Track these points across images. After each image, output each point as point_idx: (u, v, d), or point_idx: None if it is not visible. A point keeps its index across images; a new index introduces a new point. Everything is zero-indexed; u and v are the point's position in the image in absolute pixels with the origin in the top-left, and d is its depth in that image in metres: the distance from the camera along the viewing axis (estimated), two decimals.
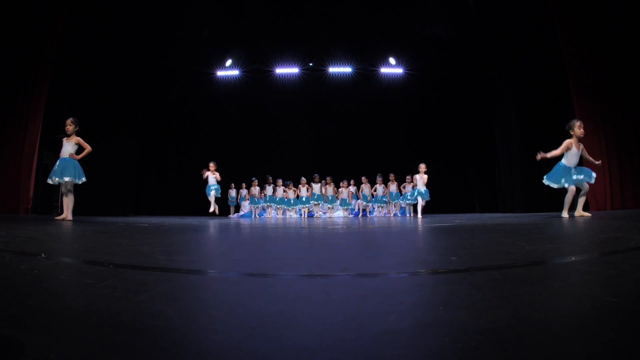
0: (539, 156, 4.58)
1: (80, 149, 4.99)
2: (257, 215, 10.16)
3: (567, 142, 4.53)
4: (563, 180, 4.48)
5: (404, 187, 9.26)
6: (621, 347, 0.58)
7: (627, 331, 0.66)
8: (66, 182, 4.80)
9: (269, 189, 9.93)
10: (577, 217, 4.34)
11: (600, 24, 6.59)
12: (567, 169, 4.51)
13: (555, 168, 4.62)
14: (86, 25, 7.71)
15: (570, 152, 4.52)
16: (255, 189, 10.13)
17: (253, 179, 10.17)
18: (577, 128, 4.50)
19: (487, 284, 1.06)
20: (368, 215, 9.86)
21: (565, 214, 4.47)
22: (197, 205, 10.52)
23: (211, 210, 7.79)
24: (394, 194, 9.27)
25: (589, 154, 4.73)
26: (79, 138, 4.97)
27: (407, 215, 8.93)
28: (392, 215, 9.32)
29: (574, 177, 4.45)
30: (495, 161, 9.49)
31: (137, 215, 8.85)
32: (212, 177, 8.00)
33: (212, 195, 7.89)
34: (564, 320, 0.73)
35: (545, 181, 4.64)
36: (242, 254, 1.94)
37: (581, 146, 4.58)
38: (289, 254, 1.91)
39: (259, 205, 10.24)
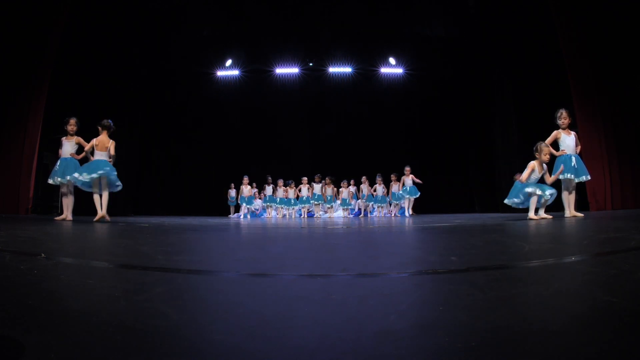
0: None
1: (80, 149, 5.00)
2: (247, 216, 9.98)
3: (554, 132, 4.60)
4: (563, 170, 4.45)
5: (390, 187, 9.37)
6: (621, 347, 0.58)
7: (627, 331, 0.66)
8: (67, 182, 4.81)
9: (268, 189, 9.92)
10: (569, 217, 4.33)
11: (600, 24, 6.59)
12: (566, 158, 4.49)
13: (557, 160, 4.62)
14: (86, 25, 7.71)
15: (561, 141, 4.55)
16: (246, 188, 10.03)
17: (244, 176, 9.96)
18: (558, 118, 4.57)
19: (487, 284, 1.06)
20: (368, 215, 9.86)
21: (568, 214, 4.45)
22: (197, 205, 10.53)
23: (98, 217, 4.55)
24: (397, 194, 9.27)
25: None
26: (79, 138, 4.98)
27: (407, 215, 8.92)
28: (392, 215, 9.32)
29: (574, 164, 4.43)
30: (495, 161, 9.49)
31: (137, 215, 8.84)
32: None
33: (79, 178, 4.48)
34: (564, 320, 0.73)
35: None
36: (242, 254, 1.94)
37: (573, 133, 4.60)
38: (289, 254, 1.91)
39: (251, 206, 10.20)
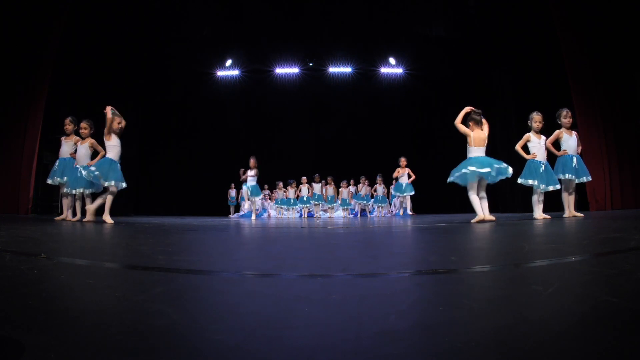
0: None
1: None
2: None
3: (556, 132, 4.60)
4: (562, 172, 4.44)
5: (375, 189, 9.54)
6: (622, 348, 0.58)
7: (627, 331, 0.66)
8: (67, 182, 4.80)
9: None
10: (569, 217, 4.33)
11: (600, 24, 6.59)
12: (567, 158, 4.48)
13: (557, 161, 4.61)
14: (86, 25, 7.71)
15: (563, 141, 4.55)
16: (233, 190, 10.45)
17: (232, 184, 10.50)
18: (562, 117, 4.59)
19: (487, 284, 1.06)
20: (368, 215, 9.86)
21: (567, 214, 4.46)
22: (197, 205, 10.53)
23: None
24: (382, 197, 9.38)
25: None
26: (77, 137, 4.98)
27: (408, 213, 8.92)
28: (392, 215, 9.32)
29: (575, 165, 4.42)
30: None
31: (137, 215, 8.84)
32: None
33: None
34: (564, 320, 0.73)
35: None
36: (242, 254, 1.94)
37: (575, 134, 4.59)
38: (289, 253, 1.91)
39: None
